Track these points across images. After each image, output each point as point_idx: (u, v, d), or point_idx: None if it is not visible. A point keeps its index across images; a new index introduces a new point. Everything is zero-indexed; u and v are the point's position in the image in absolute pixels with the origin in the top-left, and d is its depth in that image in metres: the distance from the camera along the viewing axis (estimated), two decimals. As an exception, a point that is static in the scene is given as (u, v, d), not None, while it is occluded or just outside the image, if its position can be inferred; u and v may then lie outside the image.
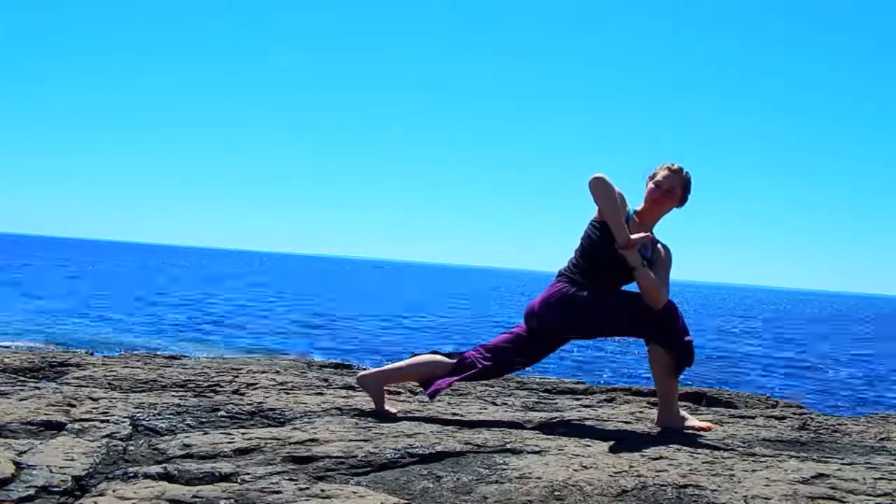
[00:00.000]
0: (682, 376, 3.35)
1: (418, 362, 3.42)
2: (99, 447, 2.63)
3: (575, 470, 2.50)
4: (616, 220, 3.17)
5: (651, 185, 3.37)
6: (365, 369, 3.85)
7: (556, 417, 3.55)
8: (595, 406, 4.06)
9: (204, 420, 3.17)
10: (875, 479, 2.50)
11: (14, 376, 4.06)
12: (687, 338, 3.21)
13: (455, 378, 3.34)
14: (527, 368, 3.62)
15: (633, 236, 3.17)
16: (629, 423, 3.49)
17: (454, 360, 3.36)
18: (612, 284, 3.30)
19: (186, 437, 2.83)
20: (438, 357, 3.40)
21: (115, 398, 3.48)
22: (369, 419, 3.26)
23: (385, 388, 3.48)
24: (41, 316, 16.09)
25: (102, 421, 3.00)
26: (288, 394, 3.84)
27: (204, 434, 2.89)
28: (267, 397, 3.69)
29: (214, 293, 28.77)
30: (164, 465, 2.46)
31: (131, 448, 2.71)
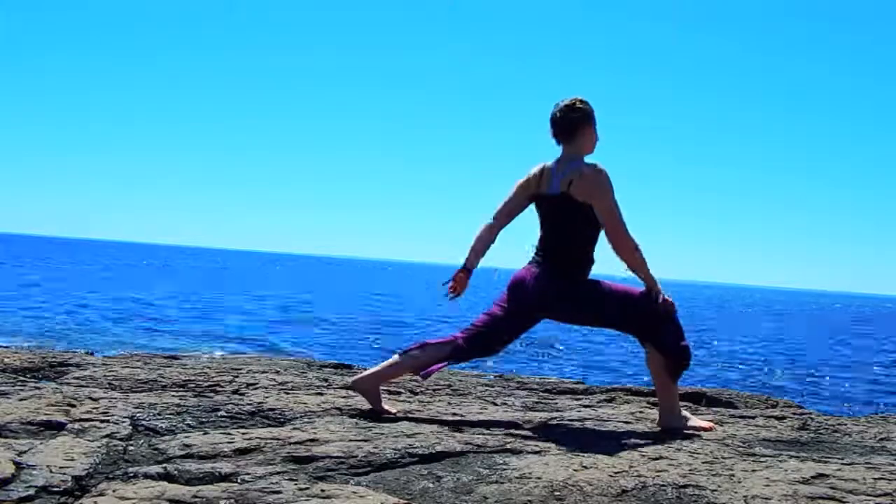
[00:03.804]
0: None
1: (409, 353, 3.41)
2: (99, 447, 2.63)
3: (575, 470, 2.50)
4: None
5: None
6: (365, 370, 3.85)
7: (556, 417, 3.55)
8: (595, 406, 4.05)
9: (204, 420, 3.17)
10: (875, 479, 2.50)
11: (14, 376, 4.06)
12: (683, 342, 3.21)
13: (445, 362, 3.32)
14: (506, 348, 3.58)
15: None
16: (629, 423, 3.49)
17: (444, 342, 3.35)
18: (587, 249, 3.31)
19: (186, 437, 2.83)
20: (428, 344, 3.39)
21: (115, 398, 3.48)
22: (369, 419, 3.26)
23: (383, 387, 3.47)
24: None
25: (102, 421, 3.00)
26: (288, 394, 3.84)
27: (204, 434, 2.89)
28: (267, 397, 3.69)
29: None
30: (164, 465, 2.46)
31: (131, 448, 2.71)
